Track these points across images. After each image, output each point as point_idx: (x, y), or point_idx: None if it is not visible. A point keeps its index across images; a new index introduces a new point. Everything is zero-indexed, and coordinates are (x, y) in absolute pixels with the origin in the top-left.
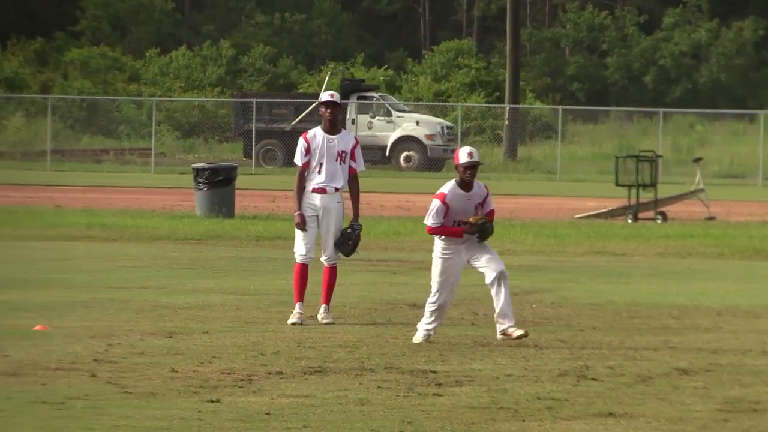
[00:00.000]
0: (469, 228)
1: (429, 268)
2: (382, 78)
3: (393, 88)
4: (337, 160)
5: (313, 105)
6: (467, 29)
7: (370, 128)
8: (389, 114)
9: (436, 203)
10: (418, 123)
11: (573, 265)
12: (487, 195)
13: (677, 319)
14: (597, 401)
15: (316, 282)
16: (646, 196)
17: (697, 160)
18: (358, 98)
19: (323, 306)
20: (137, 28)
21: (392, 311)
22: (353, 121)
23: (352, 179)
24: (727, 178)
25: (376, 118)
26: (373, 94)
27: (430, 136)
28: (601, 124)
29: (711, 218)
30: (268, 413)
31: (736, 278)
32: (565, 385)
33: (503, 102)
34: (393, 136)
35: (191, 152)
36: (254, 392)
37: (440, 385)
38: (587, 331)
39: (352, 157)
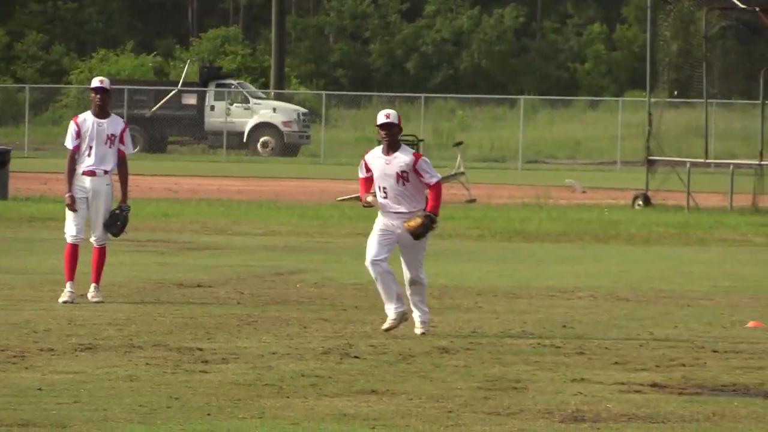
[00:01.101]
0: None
1: (196, 249)
2: (151, 64)
3: (162, 75)
4: (106, 143)
5: (173, 92)
6: (234, 17)
7: (228, 115)
8: (247, 101)
9: (362, 161)
10: (275, 110)
11: (336, 246)
12: (416, 163)
13: (438, 299)
14: (360, 378)
15: (87, 262)
16: None
17: (458, 144)
18: (217, 85)
19: (93, 285)
20: None
21: (160, 290)
22: (212, 108)
23: (121, 162)
24: (487, 162)
25: (234, 104)
26: (231, 81)
27: (287, 123)
28: (364, 109)
29: (471, 201)
30: (39, 389)
31: (495, 259)
32: (328, 362)
33: (268, 87)
34: (251, 123)
35: None
36: (26, 368)
37: (207, 362)
38: (350, 311)
39: (121, 141)
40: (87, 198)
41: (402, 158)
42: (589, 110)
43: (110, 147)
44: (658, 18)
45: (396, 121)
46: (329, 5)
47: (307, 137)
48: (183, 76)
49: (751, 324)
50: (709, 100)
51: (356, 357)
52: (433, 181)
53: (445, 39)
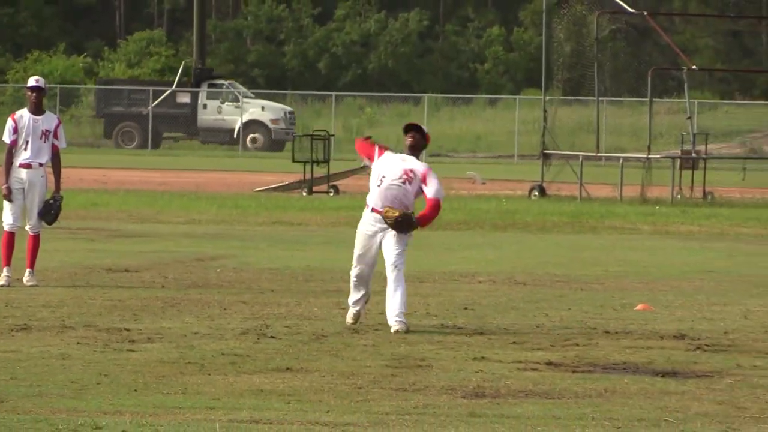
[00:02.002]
0: (387, 212)
1: (124, 236)
2: (81, 64)
3: (91, 74)
4: (41, 138)
5: (167, 92)
6: (158, 20)
7: (219, 113)
8: (237, 100)
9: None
10: (263, 108)
11: (253, 233)
12: (426, 172)
13: (348, 283)
14: (276, 357)
15: (23, 248)
16: (320, 171)
17: (367, 138)
18: (209, 85)
19: (28, 270)
20: None
21: (90, 275)
22: (204, 106)
23: (55, 155)
24: None
25: (225, 103)
26: (223, 81)
27: (274, 121)
28: None
29: None
30: None
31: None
32: (246, 342)
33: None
34: (240, 120)
35: None
36: None
37: (133, 341)
38: (267, 293)
39: (55, 136)
40: (23, 189)
41: (416, 163)
42: (489, 107)
43: (45, 142)
44: (553, 21)
45: (425, 130)
46: (247, 10)
47: (293, 134)
48: (178, 75)
49: (639, 306)
50: (600, 98)
51: (272, 337)
52: (432, 196)
53: (354, 41)
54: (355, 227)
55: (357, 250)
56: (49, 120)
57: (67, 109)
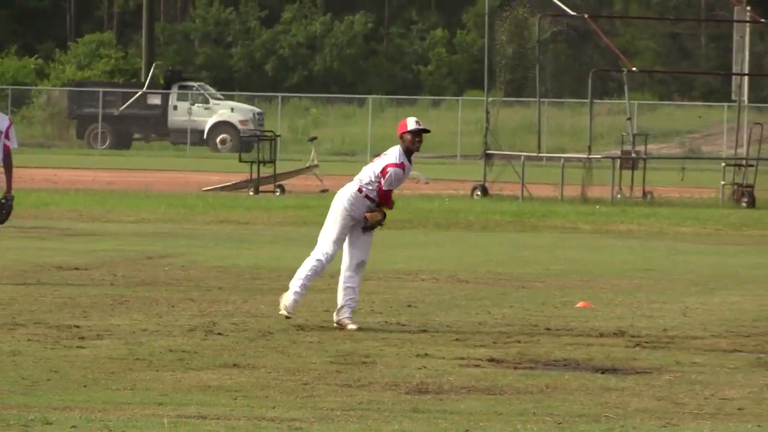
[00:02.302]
0: (372, 217)
1: (74, 235)
2: (33, 66)
3: (43, 75)
4: None
5: (138, 94)
6: (108, 23)
7: (189, 114)
8: (207, 101)
9: (397, 171)
10: (233, 110)
11: (201, 232)
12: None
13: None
14: (223, 353)
15: None
16: (266, 171)
17: (312, 139)
18: (179, 87)
19: None
20: None
21: (41, 273)
22: (175, 108)
23: (6, 156)
24: (338, 155)
25: (196, 105)
26: (193, 83)
27: (243, 122)
28: None
29: (324, 191)
30: None
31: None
32: (194, 339)
33: (141, 88)
34: (210, 121)
35: None
36: None
37: (83, 338)
38: (214, 291)
39: (7, 136)
40: None
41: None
42: (432, 109)
43: None
44: (495, 24)
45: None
46: (195, 13)
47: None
48: (149, 78)
49: (580, 304)
50: (542, 99)
51: (220, 334)
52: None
53: (300, 43)
54: (301, 226)
55: (335, 233)
56: (0, 121)
57: (19, 109)
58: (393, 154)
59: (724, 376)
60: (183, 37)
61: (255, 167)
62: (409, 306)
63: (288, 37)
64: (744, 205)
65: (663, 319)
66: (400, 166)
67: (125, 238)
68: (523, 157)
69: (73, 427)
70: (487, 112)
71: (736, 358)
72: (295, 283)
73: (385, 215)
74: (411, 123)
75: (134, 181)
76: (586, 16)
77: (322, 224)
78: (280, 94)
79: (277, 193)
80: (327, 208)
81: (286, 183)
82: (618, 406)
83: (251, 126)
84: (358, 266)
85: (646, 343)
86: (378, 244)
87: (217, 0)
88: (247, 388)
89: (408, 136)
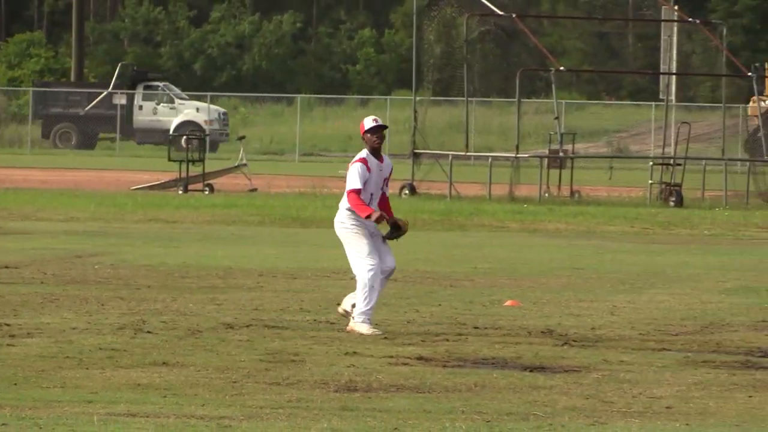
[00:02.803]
0: (393, 227)
1: (4, 233)
2: None
3: None
4: None
5: (103, 94)
6: (38, 23)
7: (155, 113)
8: (172, 101)
9: (358, 166)
10: (198, 110)
11: (130, 231)
12: (391, 173)
13: (223, 279)
14: (153, 352)
15: None
16: (195, 170)
17: (241, 138)
18: (145, 87)
19: None
20: None
21: None
22: (140, 108)
23: None
24: (267, 155)
25: (161, 104)
26: (158, 83)
27: (208, 122)
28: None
29: (253, 190)
30: None
31: (275, 243)
32: (124, 337)
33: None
34: (176, 121)
35: None
36: None
37: (13, 336)
38: (143, 290)
39: None
40: None
41: (388, 162)
42: (360, 108)
43: None
44: (423, 23)
45: (385, 124)
46: (124, 12)
47: (227, 135)
48: (114, 76)
49: (508, 303)
50: (470, 99)
51: (149, 332)
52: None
53: (229, 42)
54: (230, 224)
55: (361, 247)
56: None
57: None
58: (360, 154)
59: (652, 375)
60: (112, 37)
61: (184, 166)
62: (338, 304)
63: (217, 37)
64: (672, 204)
65: (591, 317)
66: (360, 160)
67: (55, 237)
68: (451, 156)
69: (3, 425)
70: (415, 111)
71: (663, 356)
72: (360, 309)
73: (406, 223)
74: (368, 122)
75: (65, 180)
76: (513, 15)
77: (249, 223)
78: (209, 93)
79: (206, 192)
80: (256, 207)
81: (215, 182)
82: (546, 404)
83: (216, 126)
84: (391, 273)
85: (574, 341)
86: (306, 243)
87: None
88: (176, 386)
89: (368, 135)
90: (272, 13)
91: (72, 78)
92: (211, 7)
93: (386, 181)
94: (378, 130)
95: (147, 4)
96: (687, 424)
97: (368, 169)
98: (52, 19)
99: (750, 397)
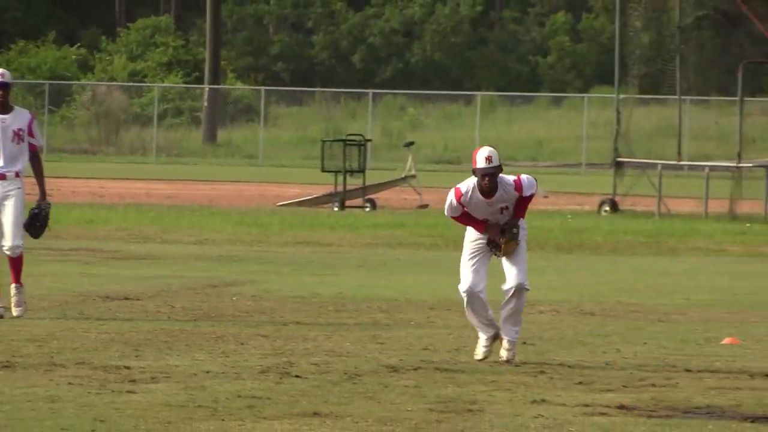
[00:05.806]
0: (493, 241)
1: (124, 258)
2: (74, 57)
3: (86, 68)
4: (14, 140)
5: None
6: (165, 5)
7: None
8: None
9: (451, 198)
10: None
11: (275, 255)
12: (521, 191)
13: (387, 314)
14: (301, 400)
15: (6, 272)
16: (353, 182)
17: (409, 144)
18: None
19: (14, 285)
20: None
21: (84, 303)
22: None
23: (33, 156)
24: (440, 164)
25: None
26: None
27: None
28: (306, 106)
29: (423, 206)
30: None
31: (450, 270)
32: (267, 382)
33: (203, 82)
34: None
35: None
36: None
37: (134, 381)
38: (291, 326)
39: (30, 134)
40: None
41: (503, 196)
42: (552, 107)
43: (19, 143)
44: (628, 7)
45: (499, 163)
46: None
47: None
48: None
49: (726, 340)
50: (683, 97)
51: (297, 376)
52: (528, 194)
53: (395, 29)
54: (395, 248)
55: (463, 262)
56: (19, 117)
57: (58, 108)
58: (464, 183)
59: None
60: (255, 22)
61: (340, 178)
62: (525, 343)
63: (380, 23)
64: None
65: None
66: (456, 194)
67: (185, 263)
68: (660, 166)
69: None
70: (618, 113)
71: None
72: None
73: (518, 229)
74: (479, 160)
75: (196, 195)
76: None
77: (420, 245)
78: (370, 91)
79: (367, 209)
80: (427, 226)
81: (378, 196)
82: None
83: None
84: (507, 292)
85: None
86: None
87: None
88: None
89: (477, 174)
90: None
91: (206, 74)
92: None
93: (503, 209)
94: (488, 174)
95: None
96: None
97: (461, 204)
98: (182, 0)
99: None
